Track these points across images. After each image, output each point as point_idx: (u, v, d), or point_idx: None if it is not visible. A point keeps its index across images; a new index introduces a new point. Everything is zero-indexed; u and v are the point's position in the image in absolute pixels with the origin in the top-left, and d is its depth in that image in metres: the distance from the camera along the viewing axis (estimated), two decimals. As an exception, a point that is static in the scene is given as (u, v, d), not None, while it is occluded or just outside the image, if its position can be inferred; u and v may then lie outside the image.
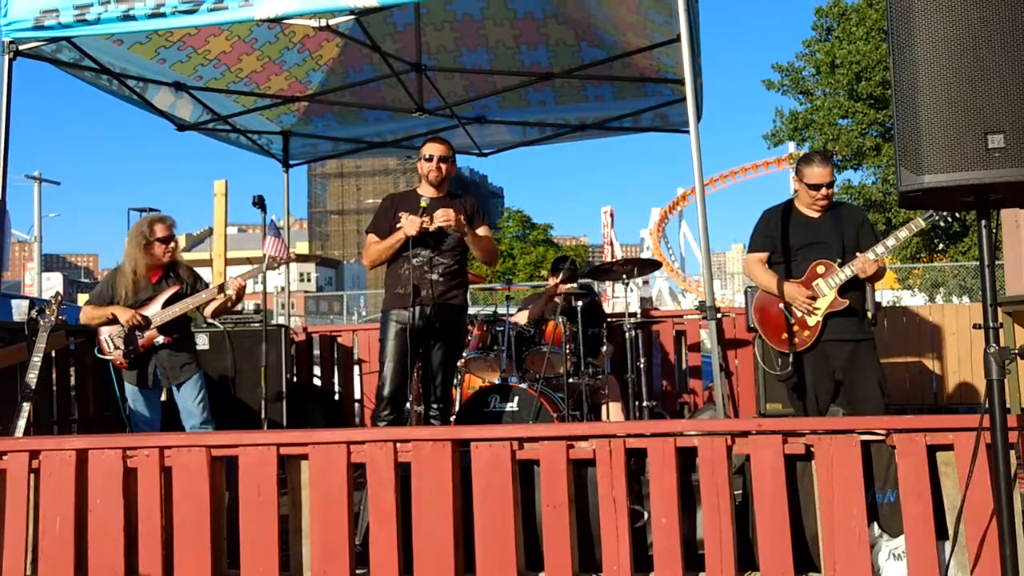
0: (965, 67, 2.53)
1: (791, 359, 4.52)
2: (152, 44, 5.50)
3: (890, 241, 4.40)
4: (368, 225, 5.07)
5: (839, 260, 4.46)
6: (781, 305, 4.58)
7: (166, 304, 5.01)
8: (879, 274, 4.44)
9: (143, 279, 5.08)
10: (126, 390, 5.09)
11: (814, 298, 4.46)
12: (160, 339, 5.00)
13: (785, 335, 4.55)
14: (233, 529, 3.62)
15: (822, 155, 4.60)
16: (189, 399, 5.04)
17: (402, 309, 4.82)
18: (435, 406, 4.93)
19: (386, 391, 4.79)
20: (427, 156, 4.97)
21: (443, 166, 4.97)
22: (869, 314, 4.61)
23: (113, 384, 4.99)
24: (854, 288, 4.48)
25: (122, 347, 4.98)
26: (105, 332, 5.06)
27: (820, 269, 4.48)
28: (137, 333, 4.99)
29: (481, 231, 4.99)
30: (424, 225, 4.73)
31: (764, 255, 4.70)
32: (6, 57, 4.37)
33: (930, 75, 2.58)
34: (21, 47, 4.38)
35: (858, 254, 4.38)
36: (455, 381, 6.10)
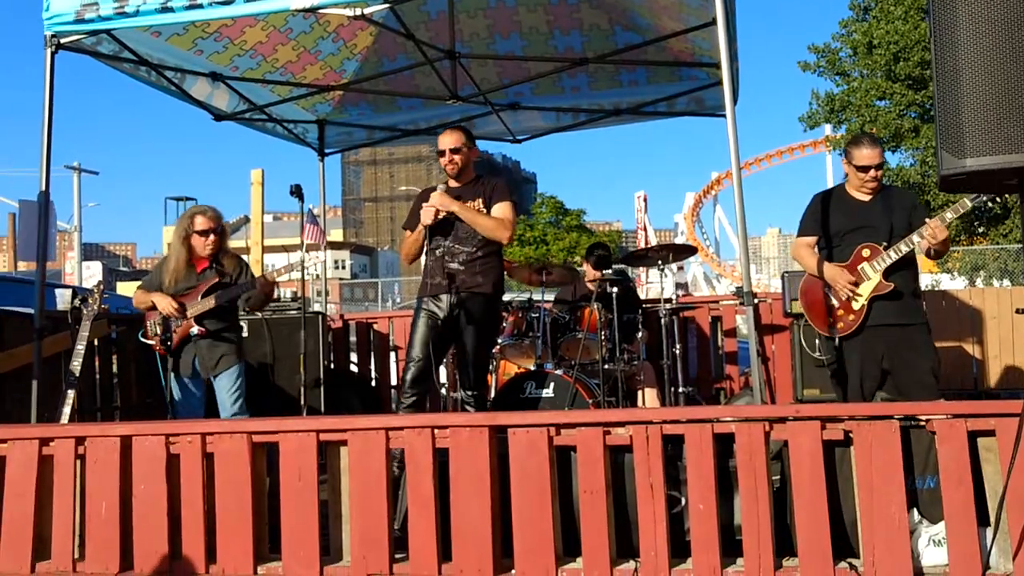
0: (1009, 48, 2.50)
1: (836, 343, 4.47)
2: (189, 35, 5.55)
3: (948, 215, 4.29)
4: (404, 223, 5.16)
5: (885, 243, 4.38)
6: (826, 289, 4.53)
7: (205, 295, 5.06)
8: (946, 245, 4.34)
9: (185, 269, 5.13)
10: (171, 377, 5.14)
11: (856, 283, 4.41)
12: (195, 329, 5.03)
13: (830, 319, 4.51)
14: (274, 514, 3.68)
15: (871, 137, 4.54)
16: (223, 390, 5.08)
17: (427, 297, 4.93)
18: (469, 393, 4.95)
19: (407, 376, 4.89)
20: (440, 151, 5.01)
21: (456, 157, 4.96)
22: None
23: (158, 370, 5.04)
24: (901, 272, 4.41)
25: (160, 334, 5.05)
26: (151, 317, 5.15)
27: (866, 252, 4.42)
28: (173, 322, 5.05)
29: (495, 210, 4.92)
30: (439, 215, 4.81)
31: (812, 239, 4.66)
32: (48, 51, 4.45)
33: (972, 56, 2.54)
34: (63, 40, 4.46)
35: (927, 220, 4.28)
36: (490, 367, 6.12)
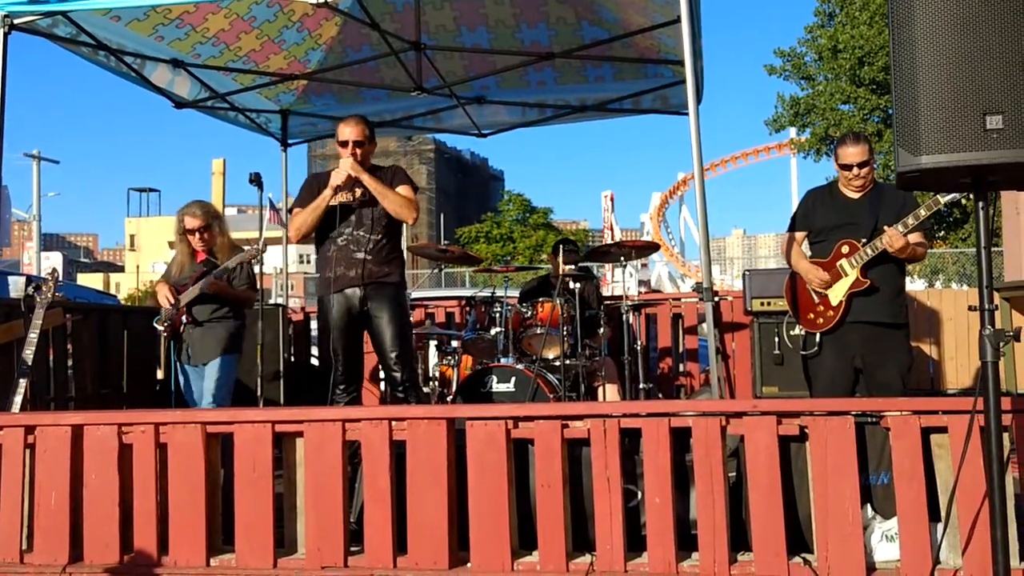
0: (965, 47, 2.52)
1: (817, 339, 4.48)
2: (150, 21, 5.47)
3: (910, 220, 4.25)
4: (292, 204, 4.92)
5: (864, 240, 4.37)
6: (808, 285, 4.56)
7: (194, 284, 5.16)
8: (910, 252, 4.33)
9: (188, 260, 5.31)
10: (176, 365, 5.33)
11: (829, 281, 4.43)
12: (184, 317, 5.15)
13: (812, 315, 4.54)
14: (228, 506, 3.63)
15: (855, 135, 4.52)
16: (207, 379, 5.15)
17: (334, 293, 4.67)
18: (399, 380, 4.72)
19: (337, 377, 4.74)
20: (341, 142, 4.66)
21: (358, 151, 4.64)
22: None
23: (121, 360, 5.07)
24: (883, 269, 4.39)
25: (163, 321, 5.24)
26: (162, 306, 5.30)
27: (844, 249, 4.43)
28: (172, 310, 5.17)
29: (403, 191, 4.71)
30: (348, 180, 4.58)
31: (801, 235, 4.67)
32: (1, 31, 4.35)
33: (929, 54, 2.56)
34: (16, 21, 4.37)
35: (886, 228, 4.27)
36: (452, 361, 6.10)
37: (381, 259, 4.70)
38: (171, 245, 5.45)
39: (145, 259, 67.61)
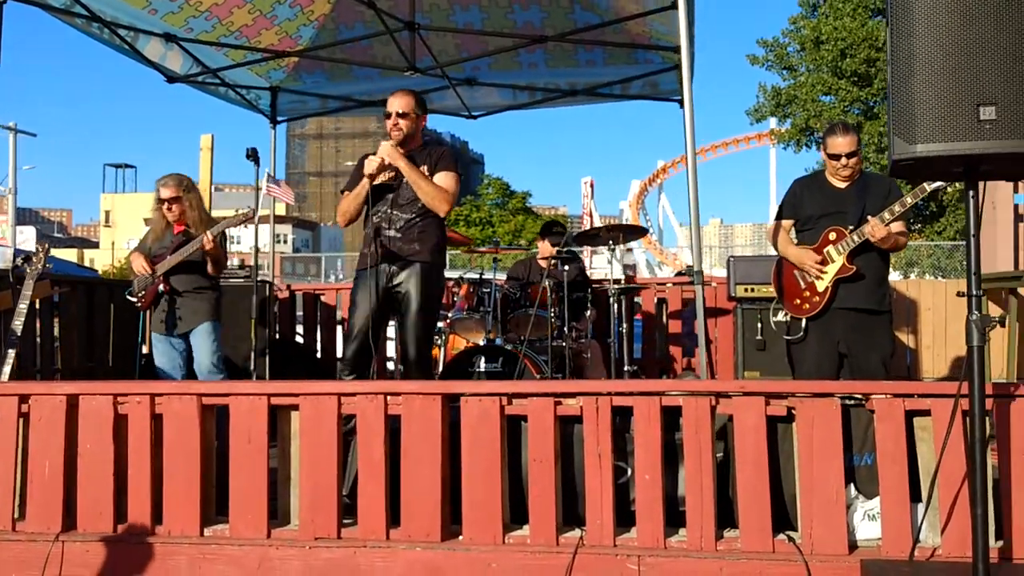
0: (961, 38, 2.59)
1: (803, 324, 4.55)
2: (144, -7, 5.46)
3: (896, 207, 4.33)
4: (343, 187, 4.91)
5: (851, 228, 4.44)
6: (796, 272, 4.63)
7: (171, 254, 5.19)
8: (893, 241, 4.40)
9: (164, 232, 5.34)
10: (152, 336, 5.35)
11: (820, 263, 4.51)
12: (162, 287, 5.18)
13: (798, 300, 4.61)
14: (222, 478, 3.67)
15: (844, 125, 4.58)
16: (198, 348, 5.23)
17: (366, 268, 4.68)
18: (411, 356, 4.68)
19: (347, 351, 4.70)
20: (386, 113, 4.70)
21: (402, 123, 4.64)
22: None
23: (108, 332, 5.09)
24: (868, 256, 4.47)
25: (137, 292, 5.28)
26: (137, 277, 5.32)
27: (832, 236, 4.50)
28: (147, 280, 5.21)
29: (438, 178, 4.63)
30: (384, 166, 4.54)
31: (788, 222, 4.74)
32: (-2, 0, 4.33)
33: (926, 45, 2.63)
34: (13, -10, 4.35)
35: (868, 217, 4.35)
36: (439, 341, 6.14)
37: (412, 237, 4.65)
38: (147, 222, 5.48)
39: (120, 236, 67.08)
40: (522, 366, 5.47)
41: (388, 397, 3.56)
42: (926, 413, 3.34)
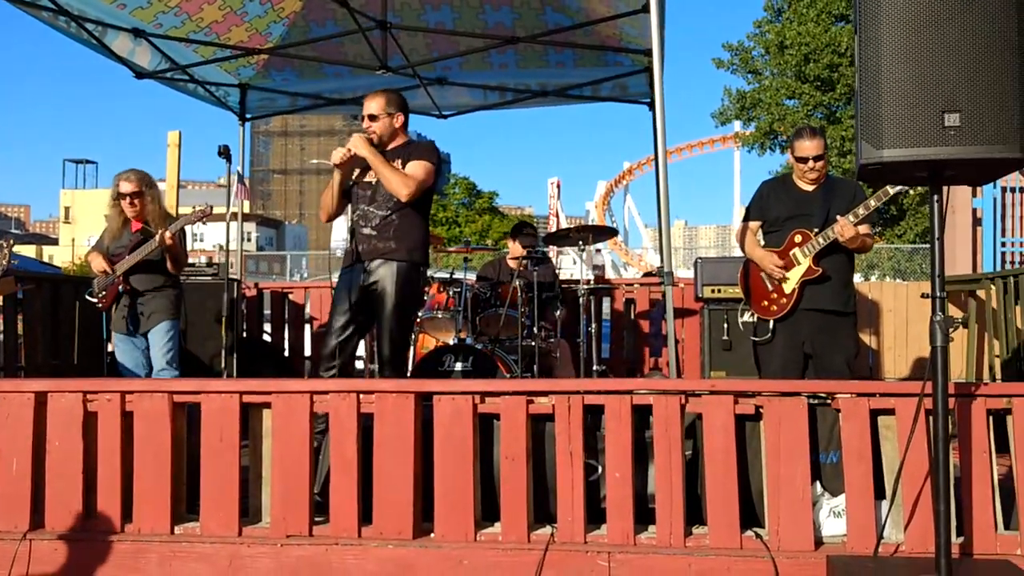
0: (927, 45, 2.65)
1: (770, 325, 4.61)
2: (113, -12, 5.41)
3: (860, 210, 4.39)
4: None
5: (817, 230, 4.50)
6: (763, 273, 4.69)
7: (130, 253, 5.13)
8: (860, 242, 4.47)
9: (121, 229, 5.26)
10: (114, 335, 5.28)
11: (786, 266, 4.58)
12: (122, 287, 5.13)
13: (766, 302, 4.67)
14: (193, 477, 3.65)
15: (811, 129, 4.64)
16: (154, 346, 5.18)
17: (346, 267, 4.70)
18: (385, 355, 4.65)
19: (324, 349, 4.68)
20: (362, 116, 4.69)
21: (373, 126, 4.62)
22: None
23: (71, 331, 5.04)
24: (833, 258, 4.52)
25: (97, 292, 5.22)
26: (97, 277, 5.27)
27: (797, 238, 4.57)
28: (107, 280, 5.16)
29: (408, 167, 4.55)
30: (348, 156, 4.53)
31: (755, 224, 4.80)
32: (-36, -8, 4.28)
33: (893, 52, 2.69)
34: (-20, -18, 4.30)
35: (838, 217, 4.40)
36: (409, 341, 6.14)
37: (387, 235, 4.60)
38: (106, 219, 5.37)
39: (81, 232, 66.12)
40: (492, 365, 5.50)
41: (361, 395, 3.57)
42: (890, 412, 3.41)
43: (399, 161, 4.61)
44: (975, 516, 3.30)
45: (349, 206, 4.79)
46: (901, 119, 2.70)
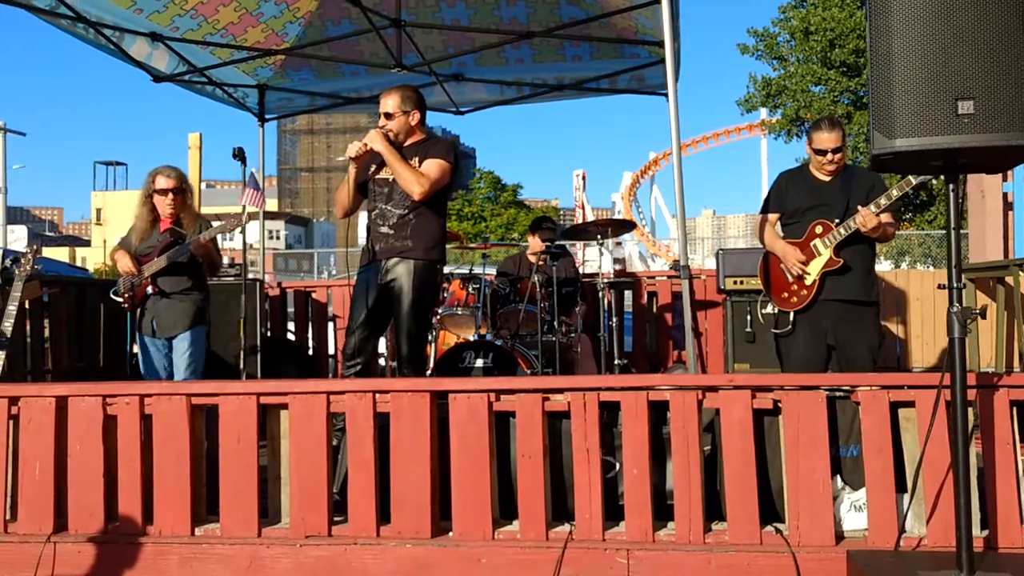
0: (939, 33, 2.61)
1: (791, 317, 4.56)
2: (129, -7, 5.45)
3: (882, 200, 4.33)
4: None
5: (837, 221, 4.46)
6: (782, 265, 4.65)
7: (160, 254, 5.03)
8: (882, 231, 4.41)
9: (150, 229, 5.13)
10: (138, 337, 5.19)
11: (804, 261, 4.52)
12: (150, 288, 5.03)
13: (786, 294, 4.63)
14: (212, 478, 3.68)
15: (830, 120, 4.58)
16: (176, 353, 5.08)
17: (365, 265, 4.72)
18: (403, 353, 4.67)
19: (347, 347, 4.71)
20: (379, 114, 4.68)
21: (389, 123, 4.61)
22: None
23: (97, 334, 5.02)
24: (855, 249, 4.48)
25: (124, 292, 5.09)
26: (123, 276, 5.14)
27: (818, 229, 4.52)
28: (134, 281, 5.05)
29: (423, 165, 4.55)
30: (363, 151, 4.55)
31: (774, 216, 4.76)
32: (-19, 1, 4.32)
33: (905, 41, 2.65)
34: (-4, -8, 4.34)
35: (859, 208, 4.35)
36: (429, 337, 6.15)
37: (404, 234, 4.60)
38: (136, 217, 5.23)
39: (112, 233, 66.80)
40: (512, 361, 5.49)
41: (377, 395, 3.57)
42: (911, 404, 3.37)
43: (416, 159, 4.61)
44: (999, 509, 3.25)
45: (365, 202, 4.79)
46: (913, 108, 2.66)
